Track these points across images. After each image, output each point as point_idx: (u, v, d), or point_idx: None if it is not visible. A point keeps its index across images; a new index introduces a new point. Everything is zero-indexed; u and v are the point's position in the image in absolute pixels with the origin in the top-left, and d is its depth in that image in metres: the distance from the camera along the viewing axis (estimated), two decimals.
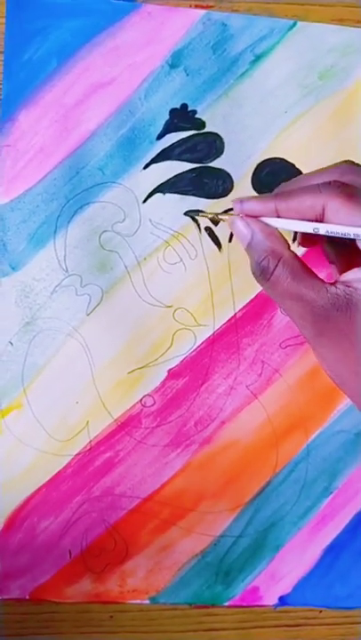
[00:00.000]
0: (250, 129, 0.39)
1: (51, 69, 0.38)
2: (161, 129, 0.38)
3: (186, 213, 0.38)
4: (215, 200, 0.39)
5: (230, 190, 0.39)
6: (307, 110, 0.39)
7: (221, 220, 0.36)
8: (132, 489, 0.40)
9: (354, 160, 0.39)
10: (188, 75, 0.38)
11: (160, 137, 0.38)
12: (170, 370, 0.39)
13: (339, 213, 0.30)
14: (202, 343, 0.39)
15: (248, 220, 0.32)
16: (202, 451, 0.40)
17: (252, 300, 0.39)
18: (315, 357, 0.39)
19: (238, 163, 0.39)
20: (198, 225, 0.39)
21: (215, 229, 0.39)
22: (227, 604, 0.41)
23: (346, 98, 0.39)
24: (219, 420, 0.40)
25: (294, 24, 0.38)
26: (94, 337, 0.39)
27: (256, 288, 0.39)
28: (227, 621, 0.41)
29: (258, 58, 0.38)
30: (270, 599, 0.41)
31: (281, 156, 0.39)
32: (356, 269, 0.30)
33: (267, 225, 0.32)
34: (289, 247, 0.31)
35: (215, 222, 0.38)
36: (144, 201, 0.39)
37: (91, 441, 0.39)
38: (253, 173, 0.39)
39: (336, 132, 0.39)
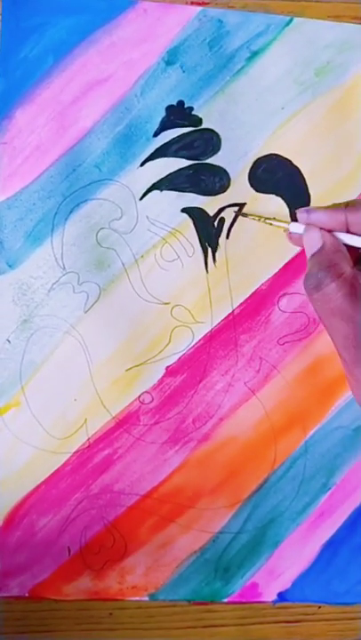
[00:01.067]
0: (246, 125, 0.39)
1: (47, 67, 0.38)
2: (157, 126, 0.38)
3: (239, 214, 0.38)
4: (212, 197, 0.39)
5: (227, 187, 0.39)
6: (303, 107, 0.39)
7: (277, 225, 0.36)
8: (131, 486, 0.40)
9: (349, 158, 0.39)
10: (184, 71, 0.38)
11: (157, 134, 0.38)
12: (168, 367, 0.39)
13: None
14: (200, 340, 0.40)
15: (323, 230, 0.32)
16: (200, 448, 0.40)
17: (249, 297, 0.39)
18: (313, 353, 0.39)
19: (235, 159, 0.39)
20: (195, 222, 0.39)
21: (214, 227, 0.39)
22: (226, 600, 0.41)
23: (343, 94, 0.39)
24: (217, 417, 0.40)
25: (291, 20, 0.38)
26: (92, 334, 0.39)
27: (254, 284, 0.39)
28: (226, 618, 0.41)
29: (254, 54, 0.38)
30: (269, 595, 0.41)
31: (278, 153, 0.39)
32: None
33: (336, 239, 0.31)
34: (353, 266, 0.31)
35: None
36: (141, 198, 0.39)
37: (89, 438, 0.39)
38: (250, 170, 0.39)
39: (333, 128, 0.39)
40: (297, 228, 0.35)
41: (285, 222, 0.35)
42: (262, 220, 0.36)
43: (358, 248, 0.32)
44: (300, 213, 0.33)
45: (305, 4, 0.39)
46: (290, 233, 0.35)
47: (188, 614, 0.41)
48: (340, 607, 0.41)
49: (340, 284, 0.30)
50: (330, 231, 0.32)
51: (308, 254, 0.32)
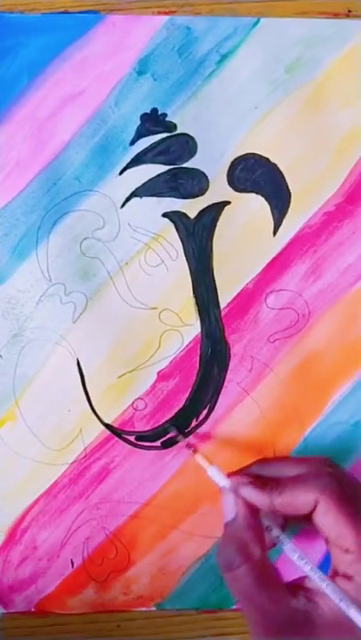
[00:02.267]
0: (221, 127, 0.39)
1: (22, 86, 0.39)
2: (133, 134, 0.39)
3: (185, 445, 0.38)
4: (192, 200, 0.39)
5: (206, 189, 0.39)
6: (277, 104, 0.39)
7: (208, 471, 0.36)
8: (130, 494, 0.39)
9: (326, 151, 0.39)
10: (155, 80, 0.39)
11: (133, 142, 0.39)
12: (159, 372, 0.39)
13: (327, 516, 0.30)
14: (189, 343, 0.39)
15: (240, 501, 0.32)
16: (197, 451, 0.39)
17: (236, 297, 0.39)
18: (305, 349, 0.39)
19: (212, 161, 0.39)
20: (177, 226, 0.39)
21: (195, 229, 0.39)
22: (235, 606, 0.40)
23: (314, 89, 0.39)
24: (212, 420, 0.39)
25: (258, 21, 0.39)
26: (82, 344, 0.39)
27: (240, 284, 0.39)
28: (236, 625, 0.40)
29: (224, 57, 0.39)
30: None
31: (254, 152, 0.39)
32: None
33: (255, 517, 0.32)
34: (263, 545, 0.31)
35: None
36: (122, 206, 0.39)
37: (85, 448, 0.39)
38: (228, 170, 0.39)
39: (308, 123, 0.39)
40: (216, 477, 0.35)
41: (208, 464, 0.36)
42: (205, 463, 0.36)
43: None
44: (232, 482, 0.33)
45: (271, 3, 0.39)
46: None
47: (196, 623, 0.40)
48: None
49: (250, 568, 0.30)
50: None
51: (223, 519, 0.33)
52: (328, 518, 0.30)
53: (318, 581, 0.31)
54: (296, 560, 0.32)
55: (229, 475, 0.35)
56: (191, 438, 0.38)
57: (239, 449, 0.39)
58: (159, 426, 0.39)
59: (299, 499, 0.31)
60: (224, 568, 0.31)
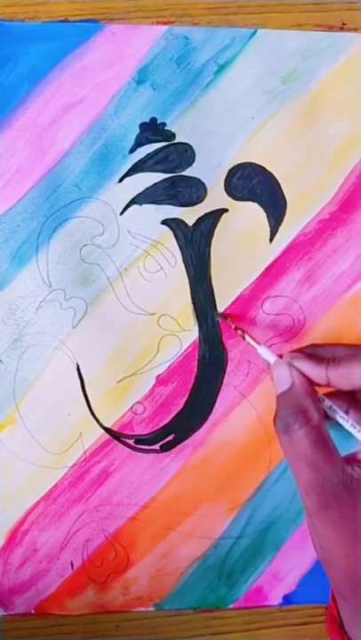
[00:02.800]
0: (219, 136, 0.40)
1: (23, 93, 0.39)
2: (133, 143, 0.40)
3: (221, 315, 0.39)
4: (190, 207, 0.40)
5: (204, 197, 0.40)
6: (273, 114, 0.40)
7: (258, 350, 0.36)
8: (129, 497, 0.40)
9: (321, 161, 0.40)
10: (154, 89, 0.39)
11: (132, 150, 0.40)
12: (158, 376, 0.40)
13: None
14: (187, 348, 0.40)
15: (294, 370, 0.32)
16: (195, 454, 0.40)
17: (233, 302, 0.40)
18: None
19: (210, 170, 0.40)
20: (175, 233, 0.40)
21: (194, 236, 0.40)
22: (231, 606, 0.41)
23: (310, 100, 0.40)
24: (210, 423, 0.40)
25: (254, 32, 0.40)
26: (81, 349, 0.40)
27: (237, 290, 0.40)
28: (233, 624, 0.41)
29: (221, 68, 0.40)
30: (275, 598, 0.41)
31: (251, 161, 0.40)
32: None
33: (311, 385, 0.32)
34: (320, 412, 0.32)
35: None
36: (121, 213, 0.40)
37: (85, 452, 0.40)
38: (226, 179, 0.40)
39: (303, 133, 0.40)
40: (266, 354, 0.35)
41: (257, 344, 0.36)
42: (237, 330, 0.37)
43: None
44: (286, 355, 0.33)
45: (267, 15, 0.40)
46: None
47: (194, 622, 0.41)
48: None
49: (308, 431, 0.30)
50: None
51: (277, 390, 0.33)
52: None
53: None
54: (349, 428, 0.32)
55: (281, 355, 0.35)
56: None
57: (236, 452, 0.40)
58: (160, 428, 0.40)
59: (355, 371, 0.31)
60: (282, 431, 0.31)
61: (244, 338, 0.36)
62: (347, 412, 0.34)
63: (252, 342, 0.36)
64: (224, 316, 0.39)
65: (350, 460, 0.32)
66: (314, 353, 0.34)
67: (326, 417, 0.33)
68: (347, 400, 0.34)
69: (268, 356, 0.35)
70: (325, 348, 0.35)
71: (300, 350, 0.35)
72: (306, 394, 0.32)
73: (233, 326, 0.38)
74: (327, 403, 0.33)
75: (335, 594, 0.32)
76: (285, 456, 0.32)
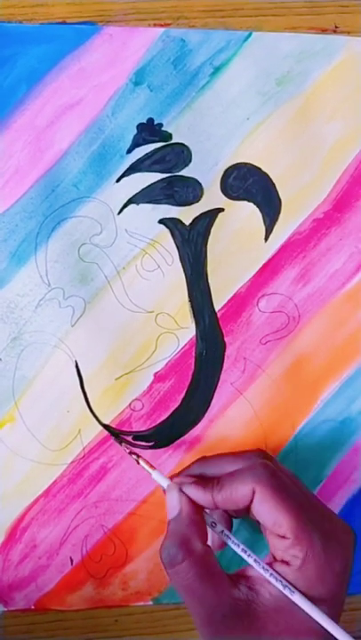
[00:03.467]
0: (215, 137, 0.40)
1: (21, 94, 0.39)
2: (130, 143, 0.40)
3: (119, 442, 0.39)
4: (187, 207, 0.40)
5: (201, 196, 0.41)
6: (268, 116, 0.41)
7: (152, 475, 0.36)
8: (128, 492, 0.41)
9: (315, 161, 0.41)
10: (151, 90, 0.40)
11: (130, 151, 0.40)
12: (156, 373, 0.41)
13: (264, 506, 0.31)
14: (185, 345, 0.41)
15: (183, 498, 0.33)
16: (192, 450, 0.41)
17: (230, 300, 0.41)
18: (295, 350, 0.40)
19: (206, 170, 0.40)
20: (172, 232, 0.40)
21: (190, 235, 0.41)
22: None
23: (304, 102, 0.41)
24: (207, 419, 0.41)
25: (249, 35, 0.40)
26: (80, 347, 0.40)
27: (233, 288, 0.41)
28: None
29: (217, 69, 0.40)
30: None
31: (247, 161, 0.41)
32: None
33: (197, 512, 0.33)
34: (204, 541, 0.32)
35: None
36: (119, 213, 0.40)
37: (84, 448, 0.40)
38: (222, 179, 0.41)
39: (297, 134, 0.41)
40: (159, 479, 0.36)
41: (150, 469, 0.36)
42: (144, 463, 0.37)
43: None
44: (175, 480, 0.34)
45: (262, 18, 0.41)
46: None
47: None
48: None
49: (192, 563, 0.31)
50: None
51: (168, 516, 0.33)
52: (264, 507, 0.31)
53: (262, 571, 0.32)
54: (240, 552, 0.33)
55: (172, 476, 0.36)
56: (133, 448, 0.39)
57: (233, 447, 0.41)
58: (156, 425, 0.41)
59: (237, 492, 0.32)
60: (167, 564, 0.31)
61: (138, 462, 0.37)
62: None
63: (146, 467, 0.36)
64: (130, 452, 0.38)
65: (238, 577, 0.32)
66: (202, 473, 0.35)
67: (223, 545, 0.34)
68: (242, 514, 0.34)
69: (161, 480, 0.35)
70: (213, 462, 0.36)
71: (190, 468, 0.36)
72: (191, 522, 0.32)
73: (127, 450, 0.38)
74: (219, 527, 0.34)
75: None
76: (173, 586, 0.32)
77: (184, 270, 0.41)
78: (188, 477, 0.35)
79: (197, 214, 0.41)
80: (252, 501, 0.32)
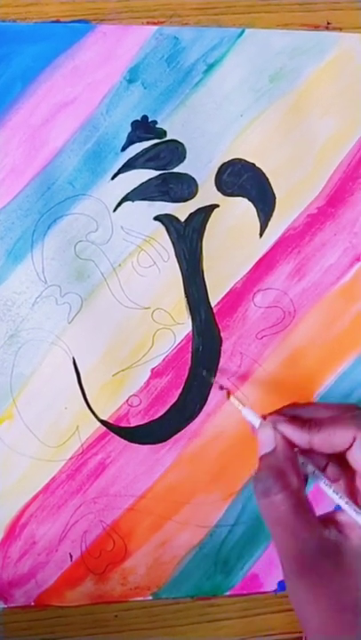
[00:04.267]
0: (209, 134, 0.41)
1: (16, 93, 0.40)
2: (125, 141, 0.40)
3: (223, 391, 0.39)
4: (182, 203, 0.41)
5: (195, 193, 0.41)
6: (261, 112, 0.41)
7: (243, 412, 0.36)
8: (126, 488, 0.41)
9: (308, 157, 0.41)
10: (145, 88, 0.40)
11: (124, 148, 0.40)
12: (153, 369, 0.41)
13: None
14: (181, 341, 0.41)
15: (279, 436, 0.33)
16: (190, 444, 0.41)
17: (225, 296, 0.41)
18: (291, 345, 0.40)
19: (201, 166, 0.41)
20: (168, 228, 0.41)
21: (186, 231, 0.41)
22: (228, 593, 0.42)
23: (297, 98, 0.41)
24: (204, 414, 0.41)
25: (242, 32, 0.41)
26: (77, 343, 0.40)
27: (229, 283, 0.41)
28: (230, 611, 0.42)
29: (210, 67, 0.41)
30: (270, 585, 0.42)
31: (241, 157, 0.41)
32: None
33: (293, 450, 0.33)
34: (300, 477, 0.32)
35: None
36: (114, 210, 0.40)
37: (82, 444, 0.40)
38: (216, 175, 0.41)
39: (290, 130, 0.41)
40: (251, 416, 0.35)
41: (242, 405, 0.36)
42: (240, 404, 0.36)
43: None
44: (270, 419, 0.34)
45: (255, 15, 0.41)
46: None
47: (191, 610, 0.42)
48: None
49: (287, 496, 0.31)
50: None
51: (260, 452, 0.33)
52: None
53: (353, 513, 0.32)
54: (331, 494, 0.33)
55: (264, 416, 0.35)
56: (225, 381, 0.39)
57: (230, 441, 0.41)
58: (154, 420, 0.41)
59: (337, 435, 0.32)
60: (262, 494, 0.31)
61: (228, 397, 0.37)
62: (325, 469, 0.34)
63: (236, 403, 0.36)
64: (221, 387, 0.39)
65: (327, 521, 0.32)
66: (295, 415, 0.35)
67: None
68: (325, 456, 0.34)
69: (252, 418, 0.35)
70: (306, 408, 0.35)
71: (281, 412, 0.35)
72: (287, 458, 0.32)
73: (213, 382, 0.38)
74: (310, 468, 0.34)
75: None
76: (264, 518, 0.32)
77: (180, 266, 0.41)
78: (281, 416, 0.34)
79: (192, 210, 0.41)
80: (350, 447, 0.32)
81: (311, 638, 0.31)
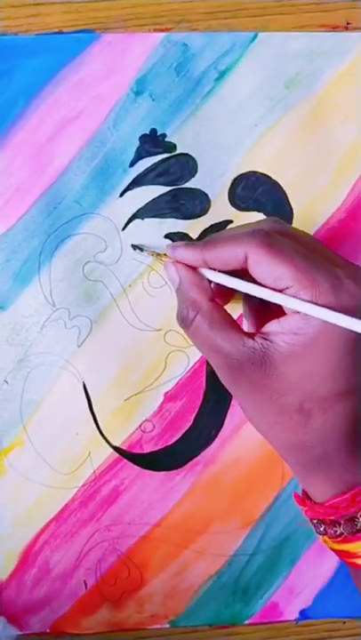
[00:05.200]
0: (221, 146, 0.39)
1: (19, 109, 0.38)
2: (133, 156, 0.39)
3: (134, 246, 0.39)
4: (194, 220, 0.39)
5: (208, 209, 0.39)
6: (277, 121, 0.39)
7: (159, 260, 0.36)
8: (141, 516, 0.40)
9: (328, 167, 0.39)
10: (153, 100, 0.38)
11: (133, 164, 0.39)
12: (166, 393, 0.39)
13: (260, 265, 0.30)
14: (195, 363, 0.39)
15: (178, 266, 0.33)
16: (207, 471, 0.40)
17: (240, 317, 0.39)
18: None
19: (213, 181, 0.39)
20: None
21: None
22: (247, 622, 0.40)
23: (315, 104, 0.39)
24: (220, 439, 0.40)
25: (255, 36, 0.38)
26: (88, 367, 0.39)
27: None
28: (249, 639, 0.41)
29: (222, 74, 0.38)
30: (291, 614, 0.41)
31: (255, 170, 0.39)
32: (275, 321, 0.31)
33: (195, 274, 0.33)
34: (211, 298, 0.32)
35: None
36: (123, 228, 0.39)
37: (95, 471, 0.39)
38: (229, 189, 0.39)
39: (309, 139, 0.39)
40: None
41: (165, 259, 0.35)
42: (154, 254, 0.37)
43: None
44: (167, 248, 0.34)
45: (268, 18, 0.38)
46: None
47: (210, 639, 0.41)
48: None
49: (202, 317, 0.31)
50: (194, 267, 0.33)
51: (174, 289, 0.34)
52: (261, 267, 0.30)
53: (280, 299, 0.30)
54: (249, 290, 0.32)
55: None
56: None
57: (247, 468, 0.40)
58: (168, 446, 0.40)
59: (228, 252, 0.31)
60: (183, 326, 0.32)
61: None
62: None
63: (161, 258, 0.35)
64: (134, 246, 0.39)
65: (253, 334, 0.32)
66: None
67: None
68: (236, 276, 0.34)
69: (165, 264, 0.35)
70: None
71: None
72: (192, 284, 0.32)
73: (152, 253, 0.37)
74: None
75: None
76: (197, 348, 0.33)
77: None
78: (179, 242, 0.35)
79: (205, 227, 0.39)
80: (246, 264, 0.31)
81: (272, 445, 0.33)
